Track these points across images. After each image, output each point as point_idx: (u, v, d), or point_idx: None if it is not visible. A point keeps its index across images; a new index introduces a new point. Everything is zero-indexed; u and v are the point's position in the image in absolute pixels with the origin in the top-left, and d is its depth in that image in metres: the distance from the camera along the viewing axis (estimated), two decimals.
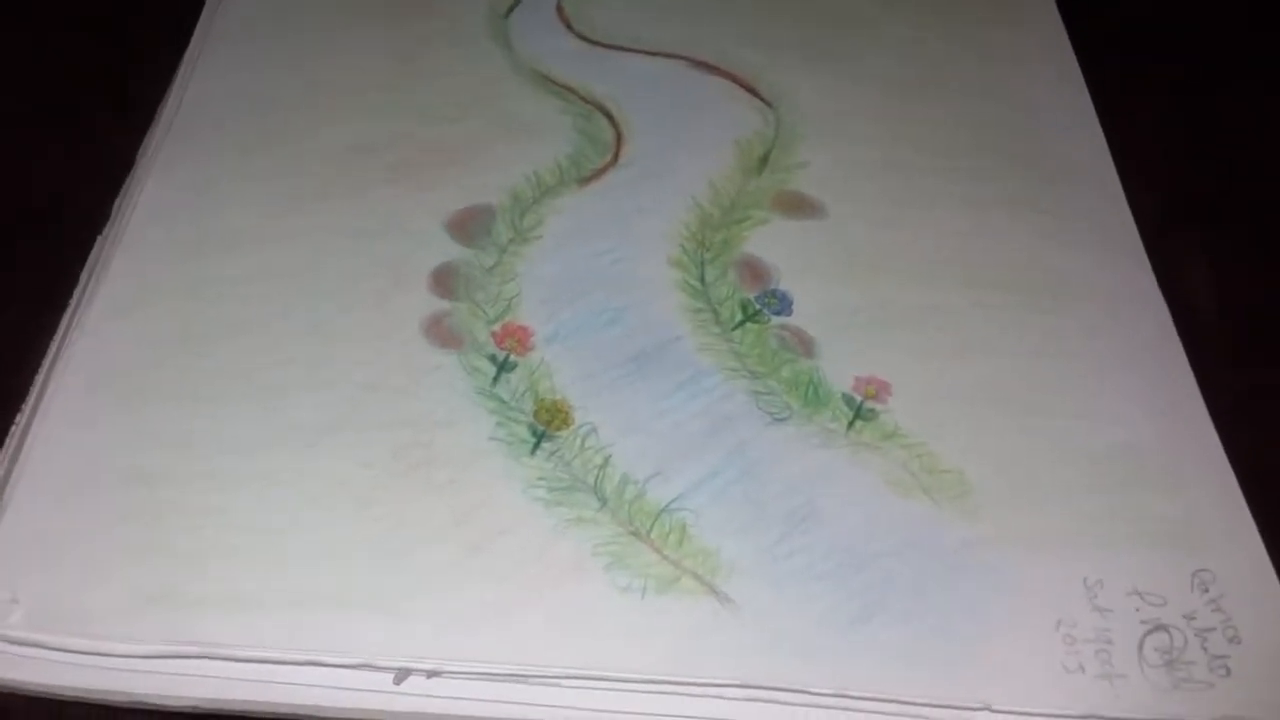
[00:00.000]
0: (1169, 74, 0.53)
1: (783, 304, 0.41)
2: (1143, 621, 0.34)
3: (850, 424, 0.38)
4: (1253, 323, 0.44)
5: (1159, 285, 0.43)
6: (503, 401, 0.37)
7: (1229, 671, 0.33)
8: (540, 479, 0.35)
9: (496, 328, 0.39)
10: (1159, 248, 0.44)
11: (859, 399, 0.38)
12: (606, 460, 0.36)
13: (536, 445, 0.36)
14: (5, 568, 0.32)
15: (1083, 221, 0.45)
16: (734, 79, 0.49)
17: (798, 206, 0.44)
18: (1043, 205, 0.45)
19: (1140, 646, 0.33)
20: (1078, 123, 0.48)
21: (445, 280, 0.40)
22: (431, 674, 0.32)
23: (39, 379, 0.37)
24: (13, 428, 0.36)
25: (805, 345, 0.40)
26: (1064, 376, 0.40)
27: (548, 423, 0.37)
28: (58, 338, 0.38)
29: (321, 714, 0.32)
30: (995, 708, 0.32)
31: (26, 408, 0.36)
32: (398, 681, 0.32)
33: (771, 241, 0.43)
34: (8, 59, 0.49)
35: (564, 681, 0.32)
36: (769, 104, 0.48)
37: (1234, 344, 0.42)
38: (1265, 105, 0.52)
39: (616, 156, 0.45)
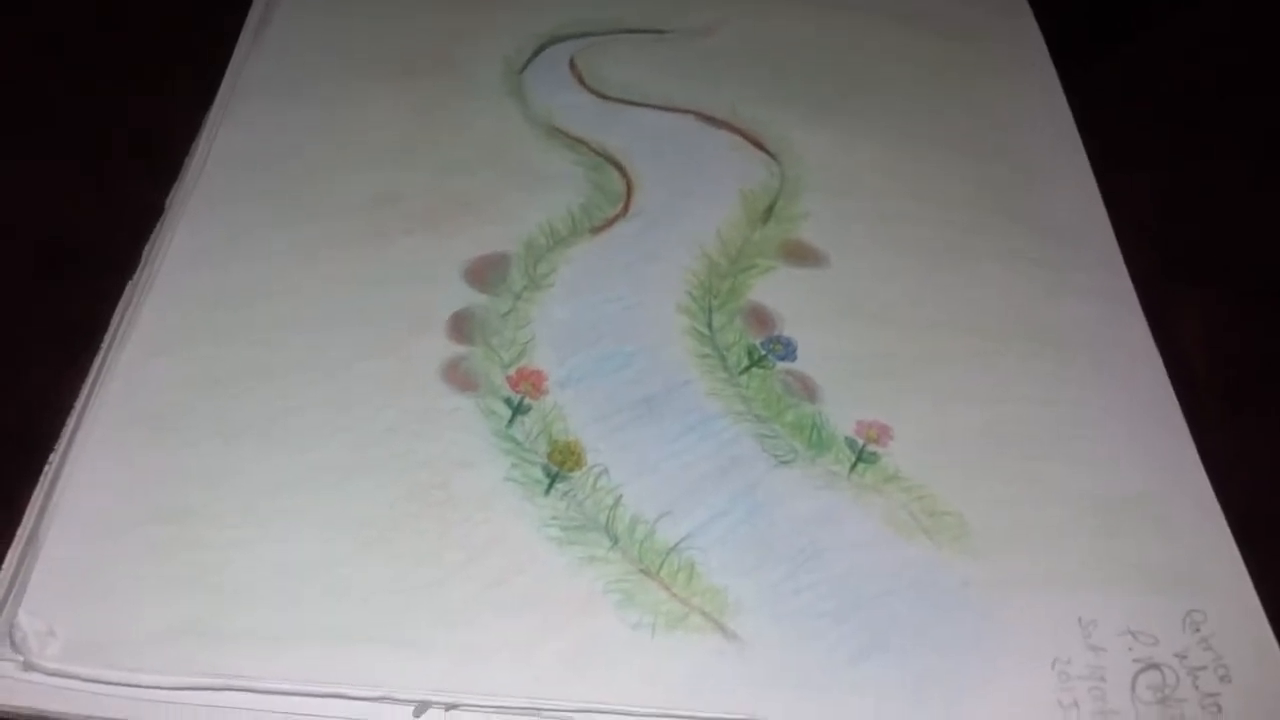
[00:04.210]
0: (1162, 129, 0.54)
1: (787, 350, 0.42)
2: (1136, 660, 0.35)
3: (853, 467, 0.39)
4: (1242, 373, 0.45)
5: (1153, 336, 0.44)
6: (518, 443, 0.38)
7: (1220, 709, 0.34)
8: (554, 518, 0.36)
9: (511, 372, 0.40)
10: (1153, 299, 0.45)
11: (861, 443, 0.39)
12: (618, 500, 0.37)
13: (550, 486, 0.37)
14: (43, 601, 0.33)
15: (1079, 274, 0.46)
16: (740, 133, 0.50)
17: (802, 255, 0.45)
18: (1040, 258, 0.46)
19: (1133, 684, 0.34)
20: (1074, 177, 0.50)
21: (463, 326, 0.41)
22: (449, 707, 0.33)
23: (73, 418, 0.38)
24: (47, 466, 0.37)
25: (809, 390, 0.41)
26: (1061, 424, 0.41)
27: (561, 464, 0.38)
28: (90, 379, 0.39)
29: None
30: None
31: (60, 446, 0.37)
32: (417, 714, 0.33)
33: (777, 289, 0.44)
34: (38, 107, 0.50)
35: (576, 715, 0.33)
36: (774, 157, 0.49)
37: (1225, 393, 0.43)
38: (1255, 161, 0.53)
39: (627, 207, 0.47)
